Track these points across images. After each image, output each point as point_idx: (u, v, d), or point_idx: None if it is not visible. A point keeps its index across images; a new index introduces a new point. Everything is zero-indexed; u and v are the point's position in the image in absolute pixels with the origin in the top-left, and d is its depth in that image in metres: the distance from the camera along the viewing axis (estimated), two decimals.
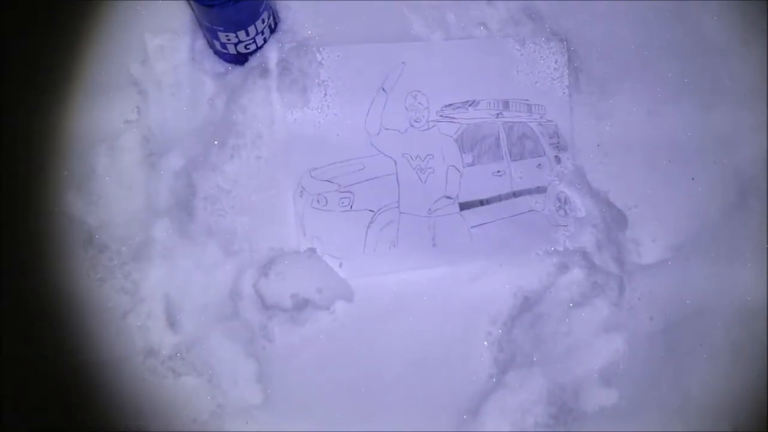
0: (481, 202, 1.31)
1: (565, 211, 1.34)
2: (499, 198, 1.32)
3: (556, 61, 1.36)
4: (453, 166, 1.31)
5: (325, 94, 1.28)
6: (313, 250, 1.24)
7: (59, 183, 1.23)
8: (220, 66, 1.30)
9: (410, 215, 1.27)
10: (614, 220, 1.36)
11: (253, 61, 1.29)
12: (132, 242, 1.23)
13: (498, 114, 1.33)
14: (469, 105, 1.32)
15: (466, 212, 1.31)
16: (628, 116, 1.39)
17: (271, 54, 1.29)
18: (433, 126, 1.31)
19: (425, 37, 1.34)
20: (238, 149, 1.24)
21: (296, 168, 1.28)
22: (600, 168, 1.39)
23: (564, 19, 1.38)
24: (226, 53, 1.27)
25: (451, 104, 1.32)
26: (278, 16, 1.30)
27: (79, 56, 1.26)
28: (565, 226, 1.34)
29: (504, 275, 1.30)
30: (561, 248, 1.32)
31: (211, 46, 1.28)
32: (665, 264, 1.38)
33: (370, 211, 1.27)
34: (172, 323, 1.23)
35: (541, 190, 1.35)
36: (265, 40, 1.29)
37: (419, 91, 1.30)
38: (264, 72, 1.26)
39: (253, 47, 1.28)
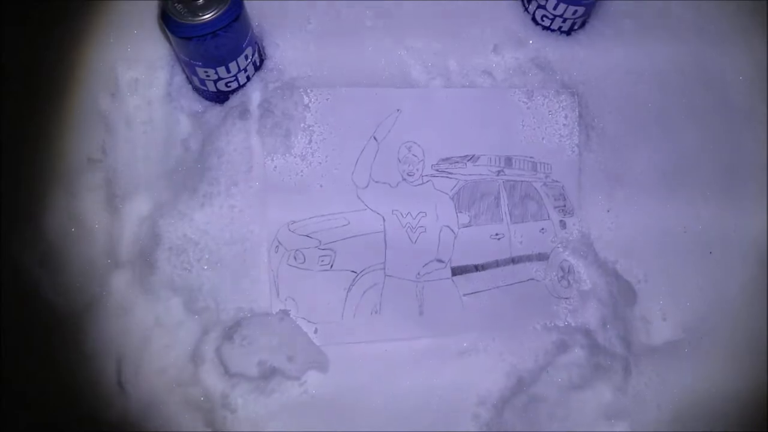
0: (476, 268, 1.24)
1: (569, 281, 1.27)
2: (497, 264, 1.25)
3: (565, 117, 1.30)
4: (447, 226, 1.24)
5: (310, 141, 1.22)
6: (286, 313, 1.17)
7: (6, 222, 1.12)
8: (198, 104, 1.25)
9: (397, 279, 1.20)
10: (622, 294, 1.29)
11: (233, 101, 1.21)
12: (86, 293, 1.13)
13: (499, 171, 1.26)
14: (468, 160, 1.25)
15: (458, 278, 1.23)
16: (642, 180, 1.33)
17: (254, 93, 1.23)
18: (428, 181, 1.24)
19: (423, 83, 1.29)
20: (210, 197, 1.18)
21: (273, 220, 1.21)
22: (609, 235, 1.33)
23: (576, 71, 1.32)
24: (205, 90, 1.22)
25: (448, 158, 1.25)
26: (264, 53, 1.25)
27: (42, 84, 1.17)
28: (568, 298, 1.27)
29: (497, 351, 1.23)
30: (562, 324, 1.25)
31: (190, 81, 1.23)
32: (677, 346, 1.30)
33: (353, 272, 1.20)
34: (122, 385, 1.11)
35: (542, 257, 1.28)
36: (248, 78, 1.23)
37: (414, 143, 1.24)
38: (244, 113, 1.20)
39: (234, 85, 1.22)
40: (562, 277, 1.27)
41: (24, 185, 1.17)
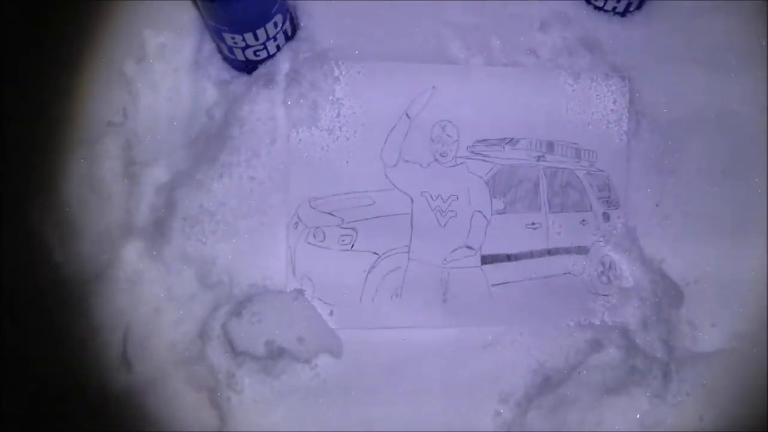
0: (509, 257, 1.18)
1: (609, 278, 1.20)
2: (531, 254, 1.19)
3: (614, 102, 1.23)
4: (480, 211, 1.18)
5: (338, 114, 1.18)
6: (300, 292, 1.13)
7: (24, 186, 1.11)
8: (227, 73, 1.22)
9: (421, 263, 1.15)
10: (667, 295, 1.22)
11: (261, 70, 1.18)
12: (97, 262, 1.11)
13: (540, 157, 1.20)
14: (507, 143, 1.19)
15: (488, 267, 1.17)
16: (697, 174, 1.26)
17: (283, 63, 1.20)
18: (462, 163, 1.19)
19: (463, 60, 1.24)
20: (229, 167, 1.15)
21: (295, 195, 1.17)
22: (657, 231, 1.26)
23: (629, 54, 1.26)
24: (234, 59, 1.19)
25: (485, 140, 1.19)
26: (297, 23, 1.22)
27: (66, 47, 1.15)
28: (607, 295, 1.20)
29: (524, 346, 1.17)
30: (598, 321, 1.19)
31: (220, 50, 1.20)
32: (726, 354, 1.23)
33: (374, 253, 1.16)
34: (128, 358, 1.08)
35: (582, 250, 1.22)
36: (278, 48, 1.20)
37: (449, 122, 1.18)
38: (269, 82, 1.17)
39: (264, 54, 1.19)
40: (602, 272, 1.21)
41: (43, 148, 1.14)
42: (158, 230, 1.14)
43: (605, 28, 1.26)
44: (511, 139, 1.21)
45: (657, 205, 1.23)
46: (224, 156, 1.15)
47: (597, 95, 1.24)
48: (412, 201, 1.17)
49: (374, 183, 1.19)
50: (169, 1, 1.23)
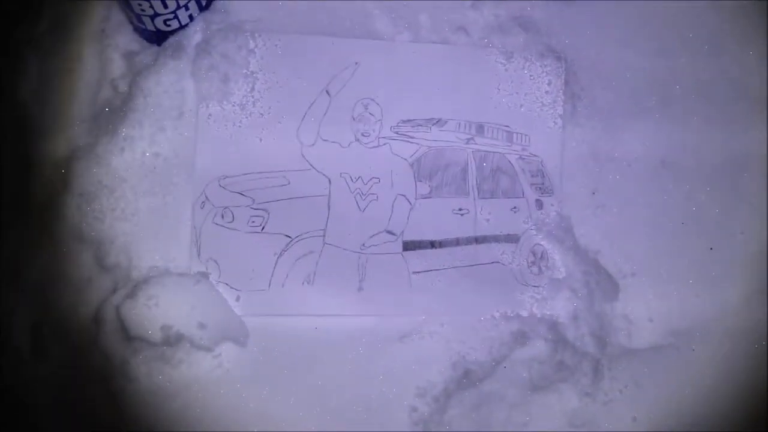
0: (432, 244, 1.12)
1: (540, 268, 1.15)
2: (457, 242, 1.14)
3: (549, 83, 1.18)
4: (403, 195, 1.13)
5: (253, 89, 1.12)
6: (204, 275, 1.07)
7: None
8: (136, 44, 1.17)
9: (337, 248, 1.10)
10: (602, 287, 1.18)
11: (170, 40, 1.12)
12: None
13: (469, 139, 1.15)
14: (434, 124, 1.14)
15: (410, 254, 1.12)
16: (636, 162, 1.22)
17: (194, 34, 1.14)
18: (385, 144, 1.14)
19: (388, 36, 1.19)
20: (131, 141, 1.09)
21: (202, 173, 1.12)
22: (592, 221, 1.22)
23: (565, 34, 1.22)
24: (143, 29, 1.14)
25: (410, 120, 1.14)
26: None
27: None
28: (537, 287, 1.15)
29: (444, 338, 1.12)
30: (525, 313, 1.14)
31: (130, 20, 1.14)
32: (662, 351, 1.19)
33: (286, 236, 1.10)
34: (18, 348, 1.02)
35: (512, 238, 1.16)
36: (191, 18, 1.15)
37: (372, 100, 1.13)
38: (178, 52, 1.10)
39: (175, 24, 1.14)
40: (533, 262, 1.15)
41: None
42: (51, 207, 1.05)
43: (541, 7, 1.23)
44: (439, 120, 1.16)
45: (593, 194, 1.19)
46: (126, 129, 1.10)
47: (531, 76, 1.20)
48: (330, 182, 1.12)
49: (289, 162, 1.13)
50: None
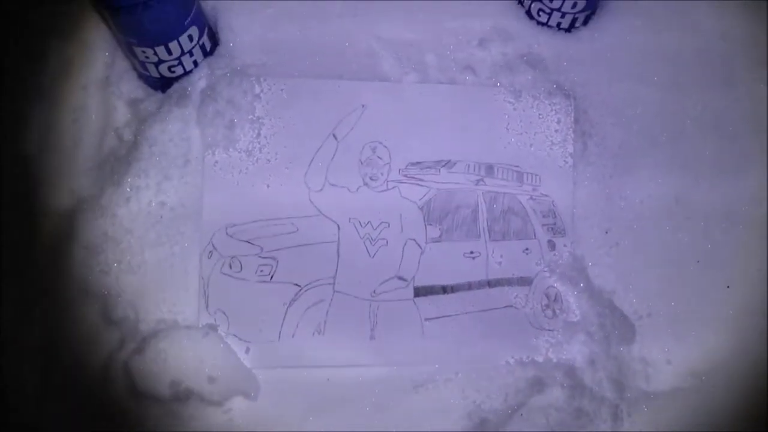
0: (444, 290, 1.12)
1: (554, 311, 1.14)
2: (469, 286, 1.13)
3: (558, 122, 1.18)
4: (413, 239, 1.13)
5: (259, 135, 1.12)
6: (213, 327, 1.07)
7: None
8: (141, 91, 1.17)
9: (347, 296, 1.09)
10: (618, 330, 1.17)
11: (175, 87, 1.13)
12: None
13: (478, 180, 1.14)
14: (443, 166, 1.14)
15: (421, 300, 1.11)
16: (648, 199, 1.21)
17: (199, 80, 1.14)
18: (394, 187, 1.13)
19: (395, 78, 1.19)
20: (137, 191, 1.09)
21: (209, 222, 1.11)
22: (606, 261, 1.21)
23: (574, 71, 1.22)
24: (148, 75, 1.14)
25: (419, 163, 1.14)
26: (218, 37, 1.17)
27: None
28: (551, 330, 1.14)
29: (459, 386, 1.11)
30: (541, 359, 1.13)
31: (134, 67, 1.15)
32: (681, 394, 1.17)
33: (296, 285, 1.10)
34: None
35: (525, 281, 1.16)
36: (195, 64, 1.15)
37: (380, 143, 1.13)
38: (183, 99, 1.10)
39: (179, 70, 1.14)
40: (547, 305, 1.14)
41: None
42: (56, 260, 1.05)
43: (549, 45, 1.22)
44: (448, 162, 1.15)
45: (606, 233, 1.18)
46: (131, 179, 1.09)
47: (540, 115, 1.19)
48: (339, 228, 1.11)
49: (297, 209, 1.12)
50: (82, 11, 1.15)
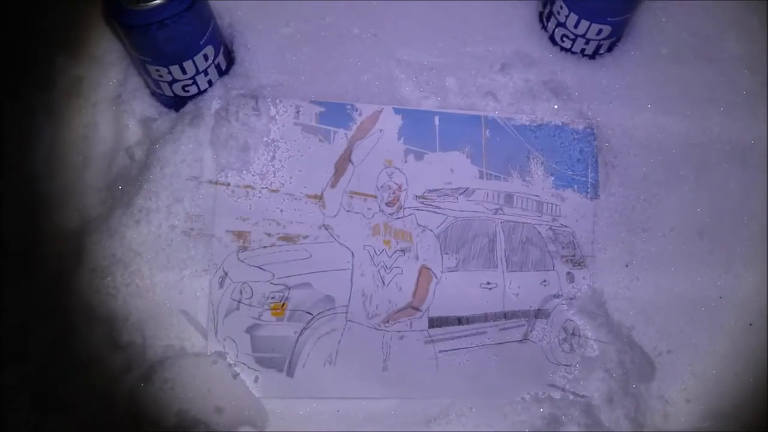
0: (459, 321, 1.12)
1: (571, 345, 1.13)
2: (485, 318, 1.13)
3: (581, 151, 1.17)
4: (429, 268, 1.10)
5: (273, 158, 1.13)
6: (221, 355, 1.07)
7: None
8: (153, 110, 1.17)
9: (360, 325, 1.08)
10: (637, 366, 1.17)
11: (189, 107, 1.12)
12: None
13: (497, 209, 1.15)
14: (461, 193, 1.14)
15: (436, 331, 1.11)
16: (671, 233, 1.21)
17: (213, 100, 1.14)
18: (410, 214, 1.12)
19: (415, 102, 1.20)
20: (147, 214, 1.09)
21: (220, 246, 1.11)
22: (626, 295, 1.21)
23: (597, 99, 1.23)
24: (161, 94, 1.14)
25: (436, 190, 1.13)
26: (234, 56, 1.17)
27: None
28: (568, 366, 1.14)
29: (472, 422, 1.11)
30: (557, 395, 1.13)
31: (147, 85, 1.15)
32: None
33: (308, 313, 1.10)
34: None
35: (542, 314, 1.16)
36: (210, 83, 1.15)
37: (397, 169, 1.12)
38: (196, 119, 1.10)
39: (193, 90, 1.14)
40: (564, 339, 1.14)
41: None
42: (62, 282, 1.05)
43: (572, 72, 1.23)
44: (466, 190, 1.15)
45: (627, 266, 1.16)
46: (142, 201, 1.09)
47: (561, 144, 1.18)
48: (353, 255, 1.11)
49: (312, 235, 1.12)
50: (94, 28, 1.15)
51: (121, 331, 1.06)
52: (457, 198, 1.15)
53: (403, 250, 1.13)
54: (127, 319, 1.07)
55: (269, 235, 1.11)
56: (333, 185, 1.13)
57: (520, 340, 1.14)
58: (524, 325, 1.15)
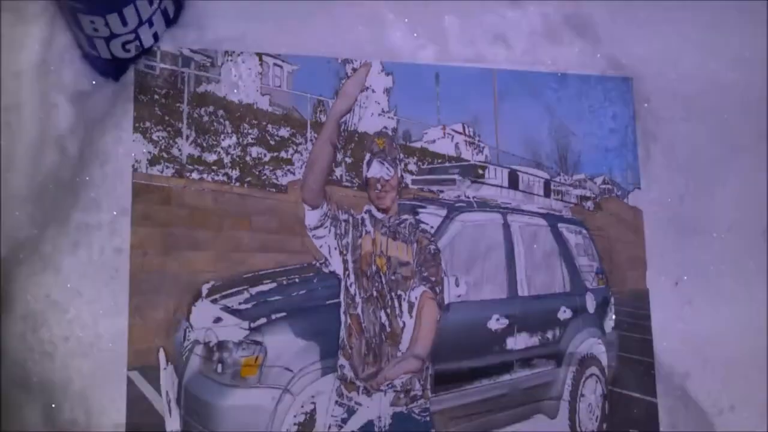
0: (470, 374, 1.03)
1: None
2: (497, 371, 1.00)
3: (613, 117, 1.09)
4: (432, 298, 1.01)
5: (239, 143, 1.11)
6: None
7: None
8: (87, 80, 1.17)
9: (351, 384, 1.04)
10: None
11: (132, 73, 1.16)
12: None
13: (510, 210, 1.10)
14: (469, 184, 1.17)
15: (440, 401, 1.03)
16: (728, 232, 1.03)
17: (162, 62, 1.07)
18: (407, 219, 1.11)
19: (408, 54, 1.14)
20: (87, 232, 1.10)
21: (183, 276, 1.03)
22: (677, 328, 0.98)
23: (633, 40, 1.09)
24: (96, 57, 1.34)
25: (435, 168, 1.06)
26: (183, 1, 1.37)
27: None
28: None
29: None
30: None
31: (79, 45, 1.35)
32: None
33: (287, 369, 1.08)
34: None
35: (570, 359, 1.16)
36: (155, 37, 1.28)
37: (390, 156, 1.10)
38: (142, 90, 1.01)
39: (135, 48, 1.24)
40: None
41: None
42: None
43: (601, 5, 1.13)
44: (474, 176, 1.18)
45: (676, 284, 1.31)
46: (79, 214, 1.06)
47: (590, 107, 1.11)
48: (339, 281, 1.13)
49: (291, 255, 0.99)
50: None
51: (61, 406, 1.03)
52: (465, 188, 1.13)
53: (400, 273, 1.18)
54: (67, 388, 1.09)
55: (241, 259, 1.02)
56: (314, 171, 0.94)
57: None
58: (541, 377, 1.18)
